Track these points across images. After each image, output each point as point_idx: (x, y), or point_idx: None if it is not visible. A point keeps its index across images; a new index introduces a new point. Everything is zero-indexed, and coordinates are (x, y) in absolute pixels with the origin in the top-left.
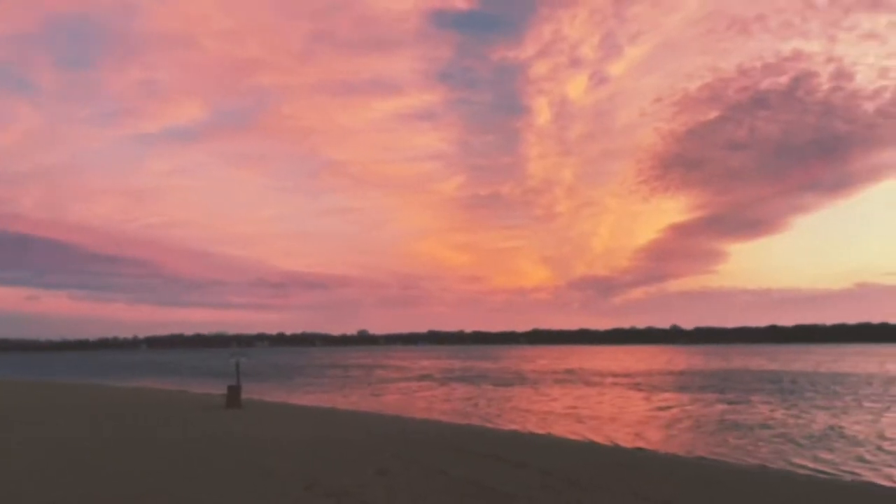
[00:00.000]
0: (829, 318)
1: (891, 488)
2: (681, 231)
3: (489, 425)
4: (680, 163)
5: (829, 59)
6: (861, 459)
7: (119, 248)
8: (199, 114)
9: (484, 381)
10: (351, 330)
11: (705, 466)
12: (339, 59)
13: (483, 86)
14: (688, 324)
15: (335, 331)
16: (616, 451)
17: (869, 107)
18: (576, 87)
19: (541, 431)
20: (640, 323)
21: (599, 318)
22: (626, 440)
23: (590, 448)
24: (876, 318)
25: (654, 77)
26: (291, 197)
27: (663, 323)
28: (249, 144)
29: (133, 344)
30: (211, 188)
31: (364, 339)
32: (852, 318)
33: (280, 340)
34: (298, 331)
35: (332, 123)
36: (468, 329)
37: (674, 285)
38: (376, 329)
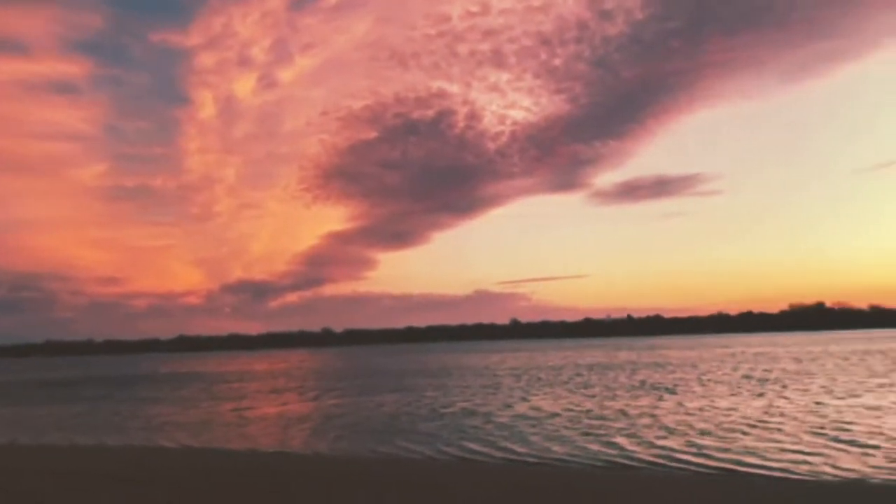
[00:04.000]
0: (454, 319)
1: (413, 460)
2: (338, 238)
3: (92, 443)
4: (341, 174)
5: (465, 102)
6: (383, 441)
7: None
8: None
9: (93, 395)
10: None
11: (333, 460)
12: None
13: (138, 67)
14: (339, 326)
15: None
16: (256, 454)
17: (491, 146)
18: (243, 85)
19: (152, 444)
20: (295, 326)
21: (253, 323)
22: (265, 443)
23: (229, 454)
24: (487, 320)
25: (321, 90)
26: None
27: (316, 326)
28: None
29: None
30: None
31: None
32: (471, 319)
33: None
34: None
35: None
36: (99, 338)
37: (329, 290)
38: None
